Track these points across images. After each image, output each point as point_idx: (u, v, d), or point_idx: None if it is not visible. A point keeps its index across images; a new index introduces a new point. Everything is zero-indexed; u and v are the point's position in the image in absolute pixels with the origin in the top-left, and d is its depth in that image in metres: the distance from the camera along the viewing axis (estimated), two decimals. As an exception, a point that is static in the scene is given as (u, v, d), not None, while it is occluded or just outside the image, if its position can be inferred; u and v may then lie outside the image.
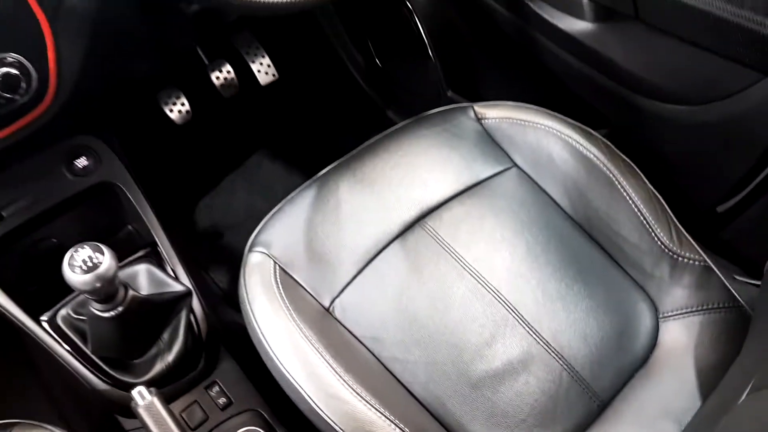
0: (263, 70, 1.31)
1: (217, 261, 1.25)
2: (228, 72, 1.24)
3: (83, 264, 0.66)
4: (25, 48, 0.71)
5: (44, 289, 0.85)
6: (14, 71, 0.70)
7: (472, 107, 0.91)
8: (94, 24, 0.77)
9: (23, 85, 0.71)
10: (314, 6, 1.02)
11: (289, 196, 0.84)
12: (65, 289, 0.73)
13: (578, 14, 0.85)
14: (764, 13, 0.65)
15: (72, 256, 0.66)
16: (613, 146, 0.82)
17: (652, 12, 0.75)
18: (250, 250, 0.78)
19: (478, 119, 0.90)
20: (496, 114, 0.89)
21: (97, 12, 0.76)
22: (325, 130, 1.46)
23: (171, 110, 1.23)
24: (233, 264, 1.22)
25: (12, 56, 0.70)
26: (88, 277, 0.66)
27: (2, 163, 0.83)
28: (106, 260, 0.66)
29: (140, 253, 0.90)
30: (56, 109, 0.77)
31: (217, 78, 1.24)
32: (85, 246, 0.67)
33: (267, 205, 0.85)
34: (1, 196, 0.84)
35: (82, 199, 0.90)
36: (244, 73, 1.27)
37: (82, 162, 0.88)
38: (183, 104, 1.23)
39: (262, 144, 1.42)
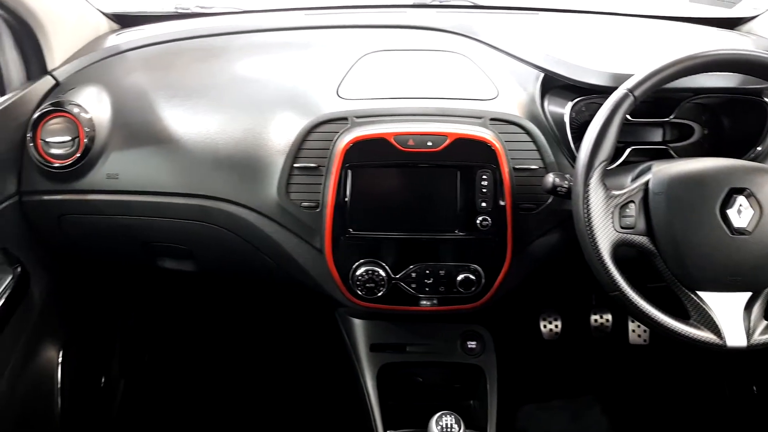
0: (638, 331, 1.44)
1: None
2: (607, 320, 1.41)
3: (444, 426, 0.89)
4: (485, 263, 1.02)
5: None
6: (472, 276, 1.01)
7: None
8: (539, 263, 1.04)
9: (473, 287, 1.01)
10: None
11: None
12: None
13: None
14: None
15: (440, 416, 0.90)
16: None
17: None
18: None
19: None
20: None
21: (545, 256, 1.03)
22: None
23: (545, 326, 1.45)
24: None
25: (474, 266, 1.01)
26: None
27: (436, 319, 1.13)
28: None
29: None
30: (480, 307, 1.05)
31: (595, 321, 1.42)
32: (452, 414, 0.90)
33: None
34: (412, 338, 1.15)
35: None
36: (620, 325, 1.43)
37: (472, 344, 1.14)
38: (557, 326, 1.45)
39: (605, 389, 1.52)
